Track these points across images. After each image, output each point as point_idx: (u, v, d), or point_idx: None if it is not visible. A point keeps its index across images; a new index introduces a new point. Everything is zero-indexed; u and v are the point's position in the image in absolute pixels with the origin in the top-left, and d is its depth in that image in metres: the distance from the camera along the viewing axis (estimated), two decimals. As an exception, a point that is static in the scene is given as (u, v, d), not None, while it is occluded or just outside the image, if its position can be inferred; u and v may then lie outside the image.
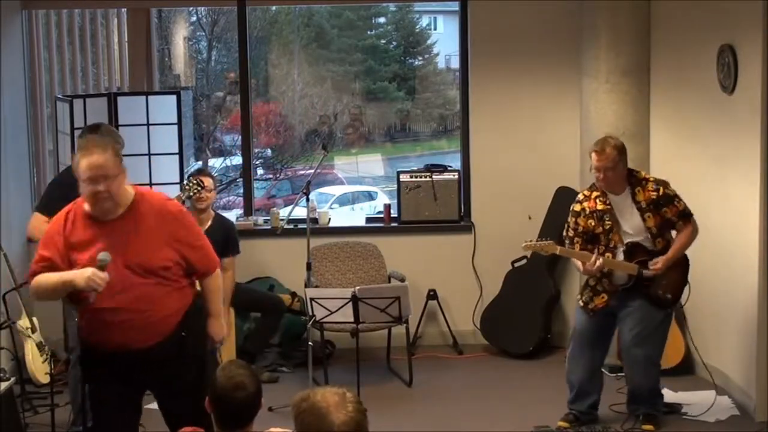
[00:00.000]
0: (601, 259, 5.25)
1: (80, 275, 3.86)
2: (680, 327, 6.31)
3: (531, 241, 5.49)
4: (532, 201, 7.09)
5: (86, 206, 4.00)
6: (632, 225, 5.34)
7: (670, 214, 5.33)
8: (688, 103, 6.36)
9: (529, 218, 7.08)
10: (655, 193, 5.31)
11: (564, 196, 6.98)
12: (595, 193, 5.40)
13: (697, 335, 6.19)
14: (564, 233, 5.53)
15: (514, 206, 7.08)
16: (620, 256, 5.33)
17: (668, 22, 6.47)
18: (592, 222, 5.37)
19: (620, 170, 5.30)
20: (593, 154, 5.30)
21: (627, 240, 5.34)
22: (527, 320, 6.95)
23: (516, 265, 7.10)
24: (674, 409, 5.72)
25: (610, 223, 5.33)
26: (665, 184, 5.38)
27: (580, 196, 5.48)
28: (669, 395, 5.77)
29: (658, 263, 5.29)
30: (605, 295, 5.41)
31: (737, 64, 5.68)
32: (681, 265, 5.44)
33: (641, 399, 5.52)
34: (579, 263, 5.38)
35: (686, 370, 6.33)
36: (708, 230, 5.91)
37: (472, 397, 6.20)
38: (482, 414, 5.88)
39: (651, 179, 5.38)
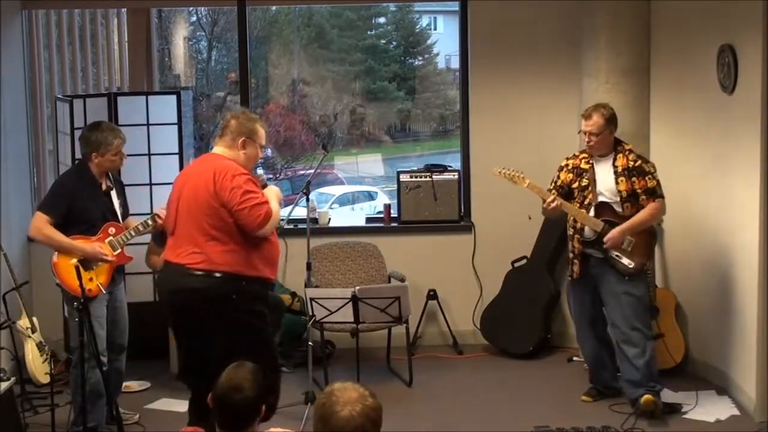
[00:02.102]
0: (558, 201, 5.58)
1: (279, 194, 4.80)
2: (680, 327, 6.31)
3: (503, 168, 5.75)
4: (532, 201, 7.03)
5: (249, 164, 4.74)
6: (606, 186, 5.64)
7: (637, 186, 5.59)
8: (688, 103, 6.36)
9: (529, 218, 7.08)
10: (632, 162, 5.60)
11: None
12: (583, 155, 5.76)
13: (697, 335, 6.19)
14: (549, 187, 5.84)
15: (514, 206, 7.07)
16: (591, 213, 5.62)
17: (668, 22, 6.47)
18: (570, 176, 5.74)
19: (606, 136, 5.64)
20: (582, 119, 5.66)
21: (600, 199, 5.62)
22: (527, 320, 6.95)
23: (516, 265, 7.11)
24: (674, 408, 5.72)
25: (587, 181, 5.67)
26: (646, 161, 5.70)
27: (570, 155, 5.85)
28: (669, 395, 5.77)
29: (610, 234, 5.53)
30: (576, 261, 5.71)
31: (737, 64, 5.68)
32: (645, 234, 5.64)
33: (639, 380, 5.58)
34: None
35: (686, 370, 6.33)
36: (708, 230, 5.92)
37: (472, 397, 6.20)
38: (482, 414, 5.88)
39: (636, 153, 5.68)
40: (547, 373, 6.62)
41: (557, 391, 6.10)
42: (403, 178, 7.31)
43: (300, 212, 7.08)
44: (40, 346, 6.10)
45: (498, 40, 7.14)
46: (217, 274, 4.57)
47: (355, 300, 5.38)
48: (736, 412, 5.75)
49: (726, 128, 5.89)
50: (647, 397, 5.49)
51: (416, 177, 7.29)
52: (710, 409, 5.70)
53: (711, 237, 5.90)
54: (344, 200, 11.82)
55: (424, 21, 13.21)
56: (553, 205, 5.59)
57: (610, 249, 5.57)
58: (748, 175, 5.62)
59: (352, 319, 5.50)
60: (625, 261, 5.58)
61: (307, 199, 6.05)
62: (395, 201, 7.44)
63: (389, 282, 6.85)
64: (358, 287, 5.49)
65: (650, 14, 6.57)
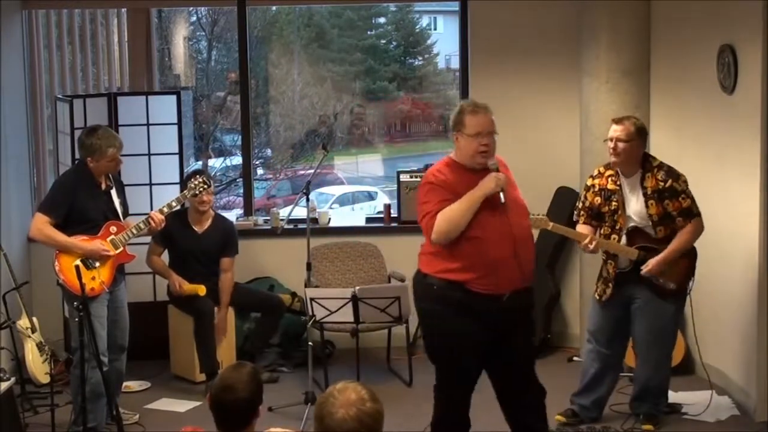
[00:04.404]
0: (594, 243, 5.21)
1: (486, 183, 4.50)
2: (680, 327, 6.30)
3: None
4: (532, 201, 6.96)
5: (458, 159, 4.64)
6: (635, 210, 5.30)
7: (671, 208, 5.26)
8: (688, 103, 6.36)
9: (529, 218, 7.07)
10: (662, 183, 5.24)
11: (564, 196, 6.99)
12: (609, 172, 5.36)
13: (697, 335, 6.18)
14: (576, 205, 5.56)
15: (514, 206, 7.07)
16: (623, 240, 5.32)
17: (668, 22, 6.47)
18: (598, 199, 5.36)
19: (634, 148, 5.24)
20: (612, 123, 5.30)
21: (630, 224, 5.31)
22: (527, 320, 6.94)
23: (516, 265, 7.09)
24: (674, 408, 5.72)
25: (616, 204, 5.30)
26: (677, 177, 5.27)
27: (595, 171, 5.45)
28: (669, 395, 5.76)
29: (649, 265, 5.25)
30: (610, 283, 5.38)
31: (737, 64, 5.68)
32: (686, 255, 5.37)
33: (647, 396, 5.52)
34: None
35: (686, 370, 6.33)
36: (708, 230, 5.90)
37: (472, 397, 6.18)
38: (482, 414, 5.88)
39: (665, 169, 5.29)
40: (547, 373, 6.58)
41: (557, 391, 6.08)
42: (403, 178, 7.31)
43: (300, 212, 7.08)
44: (40, 346, 6.10)
45: (498, 40, 7.14)
46: (418, 271, 4.75)
47: (355, 300, 5.38)
48: (736, 412, 5.75)
49: (726, 128, 5.89)
50: (648, 427, 5.45)
51: (416, 177, 7.28)
52: (710, 409, 5.70)
53: (711, 237, 5.89)
54: (344, 200, 11.82)
55: (424, 21, 13.22)
56: (590, 248, 5.23)
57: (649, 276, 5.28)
58: (748, 175, 5.62)
59: (352, 319, 5.50)
60: (666, 283, 5.32)
61: (307, 199, 6.05)
62: (395, 201, 7.44)
63: (389, 282, 6.85)
64: (358, 287, 5.49)
65: (650, 14, 6.57)
